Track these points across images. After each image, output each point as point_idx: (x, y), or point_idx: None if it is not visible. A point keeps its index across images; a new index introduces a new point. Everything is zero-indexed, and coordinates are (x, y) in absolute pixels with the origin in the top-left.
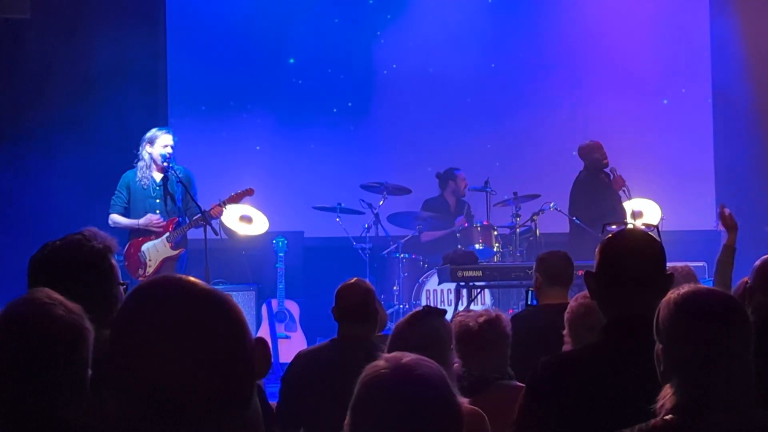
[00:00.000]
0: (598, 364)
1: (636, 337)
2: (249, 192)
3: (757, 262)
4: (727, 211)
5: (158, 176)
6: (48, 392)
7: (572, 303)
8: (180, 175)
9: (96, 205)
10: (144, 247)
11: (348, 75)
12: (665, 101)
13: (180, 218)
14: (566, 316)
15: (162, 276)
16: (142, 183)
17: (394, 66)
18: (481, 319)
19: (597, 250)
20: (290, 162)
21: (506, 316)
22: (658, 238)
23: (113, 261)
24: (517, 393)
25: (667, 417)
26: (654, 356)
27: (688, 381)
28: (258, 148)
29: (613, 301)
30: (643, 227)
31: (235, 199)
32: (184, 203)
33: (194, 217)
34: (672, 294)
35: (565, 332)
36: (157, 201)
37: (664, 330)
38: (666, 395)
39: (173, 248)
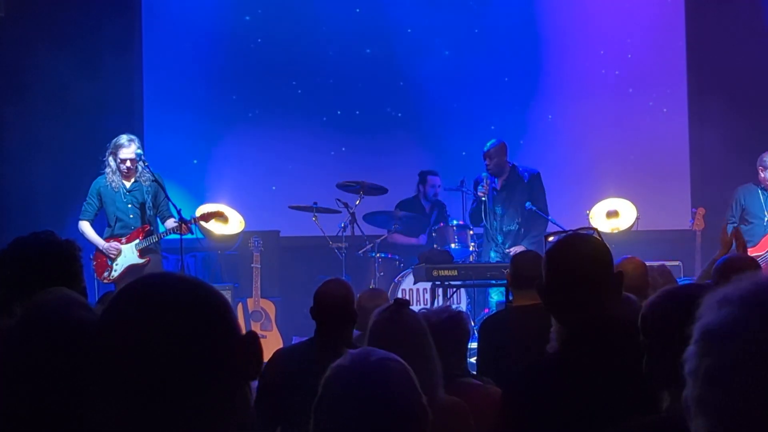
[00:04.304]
0: (567, 372)
1: (598, 341)
2: (219, 213)
3: (718, 263)
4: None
5: (128, 182)
6: (67, 397)
7: None
8: (152, 179)
9: (69, 206)
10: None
11: (333, 80)
12: (650, 103)
13: (152, 227)
14: None
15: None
16: (113, 186)
17: (377, 71)
18: (444, 315)
19: (543, 260)
20: (266, 161)
21: (466, 314)
22: (600, 240)
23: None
24: (479, 391)
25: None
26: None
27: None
28: (234, 147)
29: (568, 306)
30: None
31: (206, 218)
32: (154, 208)
33: (169, 227)
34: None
35: None
36: (129, 206)
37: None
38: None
39: (140, 256)
